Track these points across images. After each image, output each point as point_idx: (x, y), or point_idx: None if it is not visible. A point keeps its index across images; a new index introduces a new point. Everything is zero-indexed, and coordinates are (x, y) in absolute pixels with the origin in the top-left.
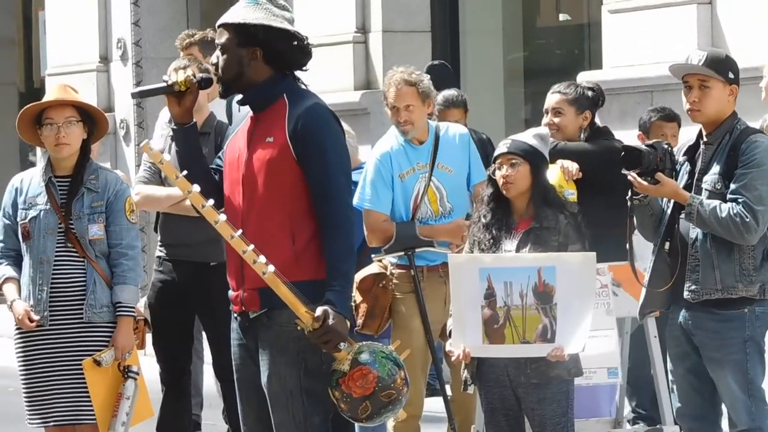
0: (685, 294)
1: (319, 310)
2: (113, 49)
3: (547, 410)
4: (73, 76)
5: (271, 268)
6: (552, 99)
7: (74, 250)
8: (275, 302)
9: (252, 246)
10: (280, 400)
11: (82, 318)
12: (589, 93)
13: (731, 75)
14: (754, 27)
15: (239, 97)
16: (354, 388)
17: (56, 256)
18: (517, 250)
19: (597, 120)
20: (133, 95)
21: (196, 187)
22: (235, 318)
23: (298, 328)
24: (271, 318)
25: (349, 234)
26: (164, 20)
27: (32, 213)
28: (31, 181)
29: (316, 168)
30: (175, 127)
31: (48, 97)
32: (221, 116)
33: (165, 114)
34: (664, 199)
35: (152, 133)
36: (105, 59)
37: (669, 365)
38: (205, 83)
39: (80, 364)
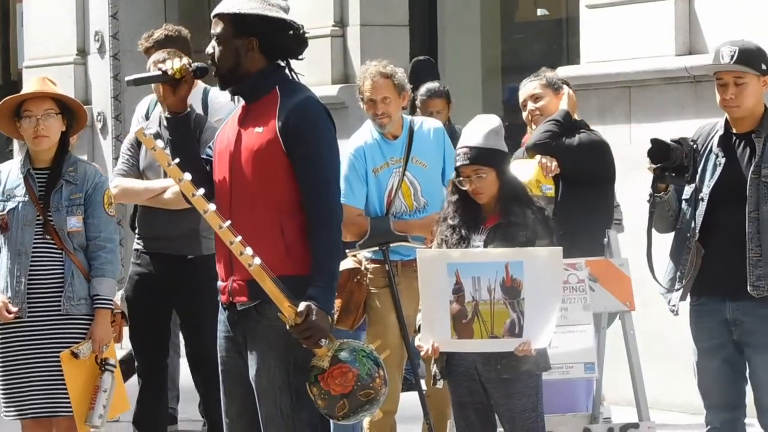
0: (749, 288)
1: (302, 305)
2: (91, 41)
3: (517, 405)
4: (51, 69)
5: (258, 260)
6: (530, 87)
7: (52, 242)
8: (264, 295)
9: (239, 237)
10: (268, 394)
11: (59, 310)
12: (556, 78)
13: (764, 66)
14: (732, 22)
15: (216, 89)
16: (333, 386)
17: (34, 248)
18: (485, 245)
19: (575, 115)
20: (129, 82)
21: (188, 176)
22: (223, 310)
23: (281, 322)
24: (261, 312)
25: (337, 230)
26: (142, 13)
27: (10, 205)
28: (9, 173)
29: (306, 162)
30: (169, 116)
31: (27, 89)
32: (197, 109)
33: (141, 107)
34: (692, 193)
35: (129, 126)
36: (83, 52)
37: (696, 356)
38: (200, 72)
39: (57, 357)
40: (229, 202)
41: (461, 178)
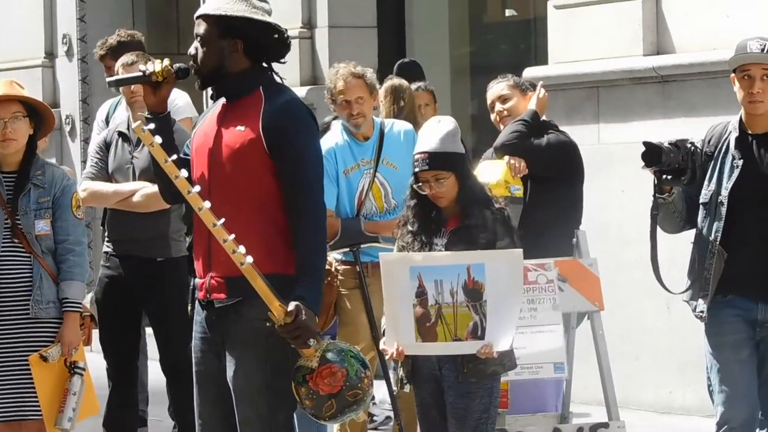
0: None
1: (291, 305)
2: (59, 44)
3: (470, 405)
4: (19, 72)
5: (250, 259)
6: (497, 88)
7: (20, 245)
8: (243, 293)
9: (233, 236)
10: (245, 395)
11: (28, 314)
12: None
13: None
14: (699, 22)
15: (174, 92)
16: (321, 386)
17: (2, 251)
18: (447, 248)
19: (544, 115)
20: (110, 84)
21: (184, 173)
22: (201, 309)
23: (268, 323)
24: (239, 313)
25: (321, 230)
26: (110, 16)
27: None
28: None
29: (290, 163)
30: (149, 116)
31: None
32: None
33: (102, 112)
34: (712, 193)
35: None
36: (50, 55)
37: (715, 353)
38: (182, 73)
39: (26, 360)
40: (209, 199)
41: (420, 183)
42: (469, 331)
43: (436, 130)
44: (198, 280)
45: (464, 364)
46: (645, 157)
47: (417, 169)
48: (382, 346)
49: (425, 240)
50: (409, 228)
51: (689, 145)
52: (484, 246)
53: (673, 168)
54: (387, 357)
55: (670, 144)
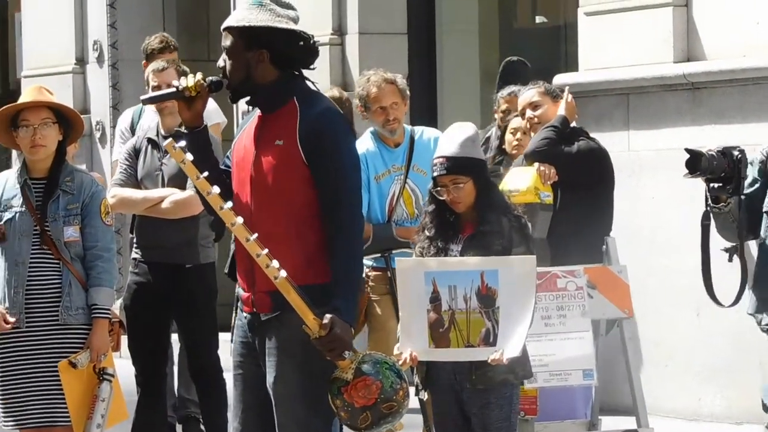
0: None
1: (326, 318)
2: (89, 51)
3: (491, 415)
4: (49, 78)
5: (283, 273)
6: (528, 95)
7: (49, 252)
8: (286, 305)
9: (266, 250)
10: (284, 402)
11: (57, 320)
12: (554, 87)
13: None
14: (730, 29)
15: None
16: (356, 398)
17: (31, 258)
18: (462, 254)
19: (573, 121)
20: (144, 101)
21: (216, 189)
22: (243, 316)
23: (300, 330)
24: (281, 321)
25: (358, 241)
26: (140, 22)
27: (7, 215)
28: (6, 183)
29: (327, 174)
30: (185, 131)
31: (23, 98)
32: None
33: (125, 120)
34: None
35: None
36: (81, 61)
37: None
38: (215, 86)
39: (55, 366)
40: (250, 213)
41: (439, 188)
42: (482, 337)
43: (456, 135)
44: (242, 293)
45: (473, 371)
46: (689, 164)
47: (435, 174)
48: (395, 351)
49: (441, 245)
50: (427, 233)
51: (737, 153)
52: (499, 253)
53: (721, 177)
54: (400, 362)
55: (716, 152)
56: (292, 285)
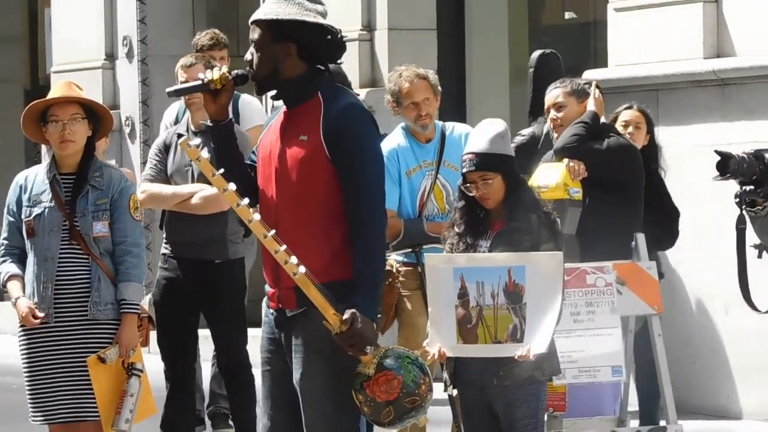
0: None
1: (347, 314)
2: (119, 46)
3: (517, 412)
4: (79, 74)
5: (302, 269)
6: (553, 95)
7: (78, 247)
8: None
9: (284, 246)
10: (311, 398)
11: (86, 315)
12: (583, 83)
13: None
14: (761, 25)
15: (246, 96)
16: (378, 393)
17: (61, 253)
18: (491, 250)
19: (602, 118)
20: (169, 94)
21: (232, 186)
22: (270, 312)
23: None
24: (308, 317)
25: (381, 237)
26: (170, 17)
27: (37, 210)
28: (35, 178)
29: (351, 170)
30: (211, 124)
31: (53, 94)
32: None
33: (170, 113)
34: None
35: (158, 131)
36: (111, 57)
37: None
38: (241, 80)
39: (84, 362)
40: (275, 209)
41: (468, 184)
42: (509, 333)
43: (485, 131)
44: (268, 289)
45: (500, 367)
46: (719, 166)
47: (464, 170)
48: (424, 347)
49: (471, 241)
50: (456, 229)
51: None
52: (528, 249)
53: (749, 179)
54: (428, 358)
55: (748, 154)
56: (312, 281)
